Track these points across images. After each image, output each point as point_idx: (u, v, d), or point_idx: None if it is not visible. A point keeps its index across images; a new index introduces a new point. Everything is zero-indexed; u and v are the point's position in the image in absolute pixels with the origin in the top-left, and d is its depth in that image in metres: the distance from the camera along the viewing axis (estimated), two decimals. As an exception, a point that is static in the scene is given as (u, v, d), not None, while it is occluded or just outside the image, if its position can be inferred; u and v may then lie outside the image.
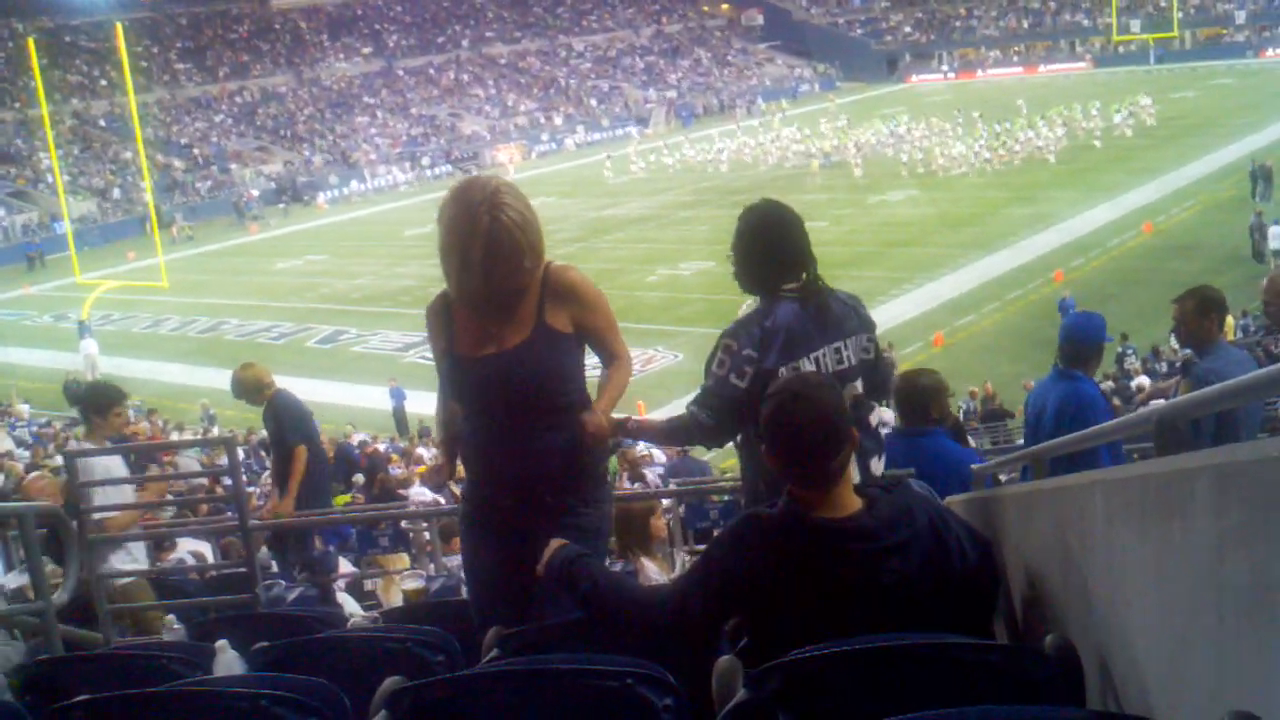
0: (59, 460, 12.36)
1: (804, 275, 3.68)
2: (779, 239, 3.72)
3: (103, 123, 63.53)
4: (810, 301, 3.64)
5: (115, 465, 6.64)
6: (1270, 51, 69.06)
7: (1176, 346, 21.25)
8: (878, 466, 3.73)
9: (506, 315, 3.54)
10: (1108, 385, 18.21)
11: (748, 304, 3.84)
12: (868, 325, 3.75)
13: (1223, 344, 5.75)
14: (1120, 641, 2.25)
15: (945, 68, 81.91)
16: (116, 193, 56.98)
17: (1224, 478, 1.67)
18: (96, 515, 6.18)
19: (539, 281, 3.54)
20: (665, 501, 7.44)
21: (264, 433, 22.51)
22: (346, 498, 14.27)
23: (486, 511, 3.72)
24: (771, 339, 3.58)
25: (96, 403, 6.86)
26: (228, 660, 3.39)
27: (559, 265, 3.60)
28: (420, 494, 13.29)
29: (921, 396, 5.40)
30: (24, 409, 26.31)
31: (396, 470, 16.64)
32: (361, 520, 9.49)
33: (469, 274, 3.44)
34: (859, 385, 3.68)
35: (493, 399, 3.58)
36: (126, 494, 6.77)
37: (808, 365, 3.58)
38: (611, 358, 3.70)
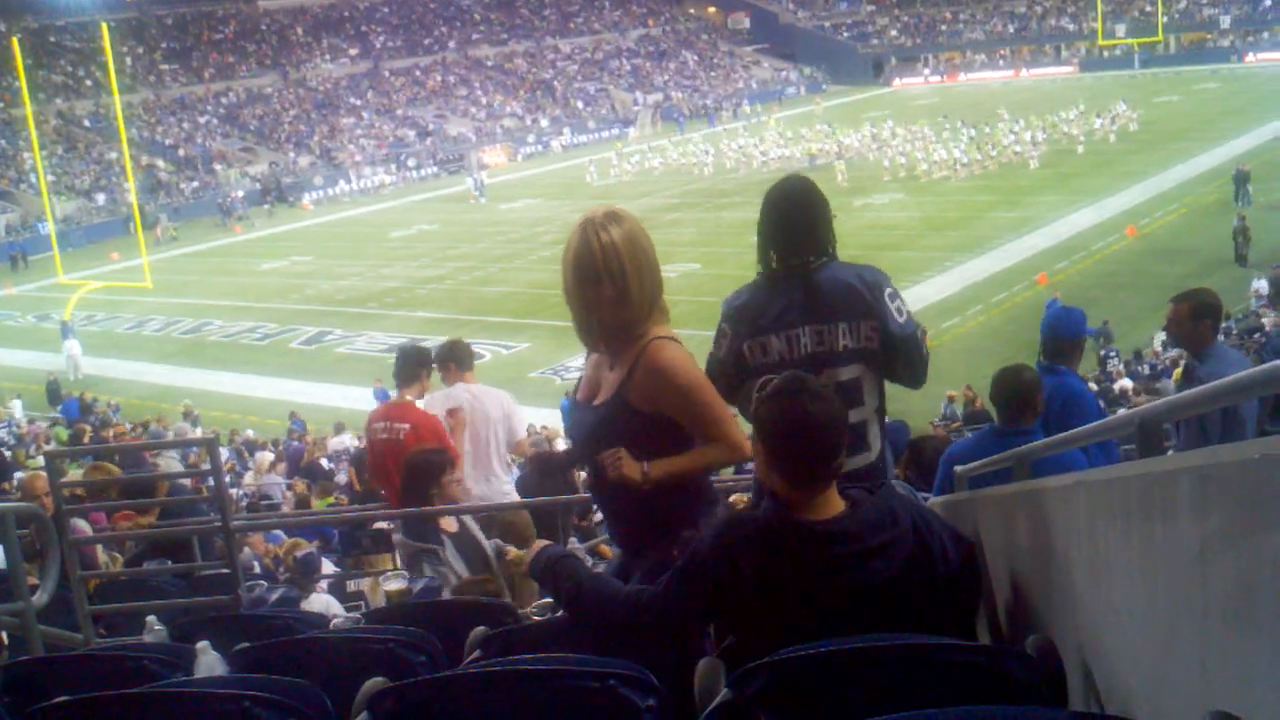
0: (41, 460, 12.29)
1: (795, 255, 3.66)
2: (773, 215, 3.74)
3: (87, 123, 63.27)
4: (789, 280, 3.64)
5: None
6: (1254, 56, 69.42)
7: (1159, 349, 21.42)
8: (847, 461, 3.60)
9: (608, 367, 3.43)
10: (1090, 387, 18.26)
11: None
12: (874, 314, 3.60)
13: (1218, 346, 5.75)
14: (1102, 642, 2.25)
15: (930, 71, 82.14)
16: (101, 194, 56.76)
17: (1206, 480, 1.67)
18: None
19: (637, 349, 3.34)
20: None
21: (250, 432, 22.67)
22: (329, 499, 14.23)
23: None
24: (738, 314, 3.70)
25: None
26: (209, 661, 3.37)
27: (657, 343, 3.33)
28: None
29: (1026, 392, 5.06)
30: (17, 404, 26.23)
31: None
32: (344, 521, 9.46)
33: (567, 299, 3.38)
34: (845, 372, 3.61)
35: (579, 448, 3.53)
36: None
37: (776, 343, 3.61)
38: (705, 441, 3.39)
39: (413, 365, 7.14)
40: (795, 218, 3.70)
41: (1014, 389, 5.07)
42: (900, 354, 3.69)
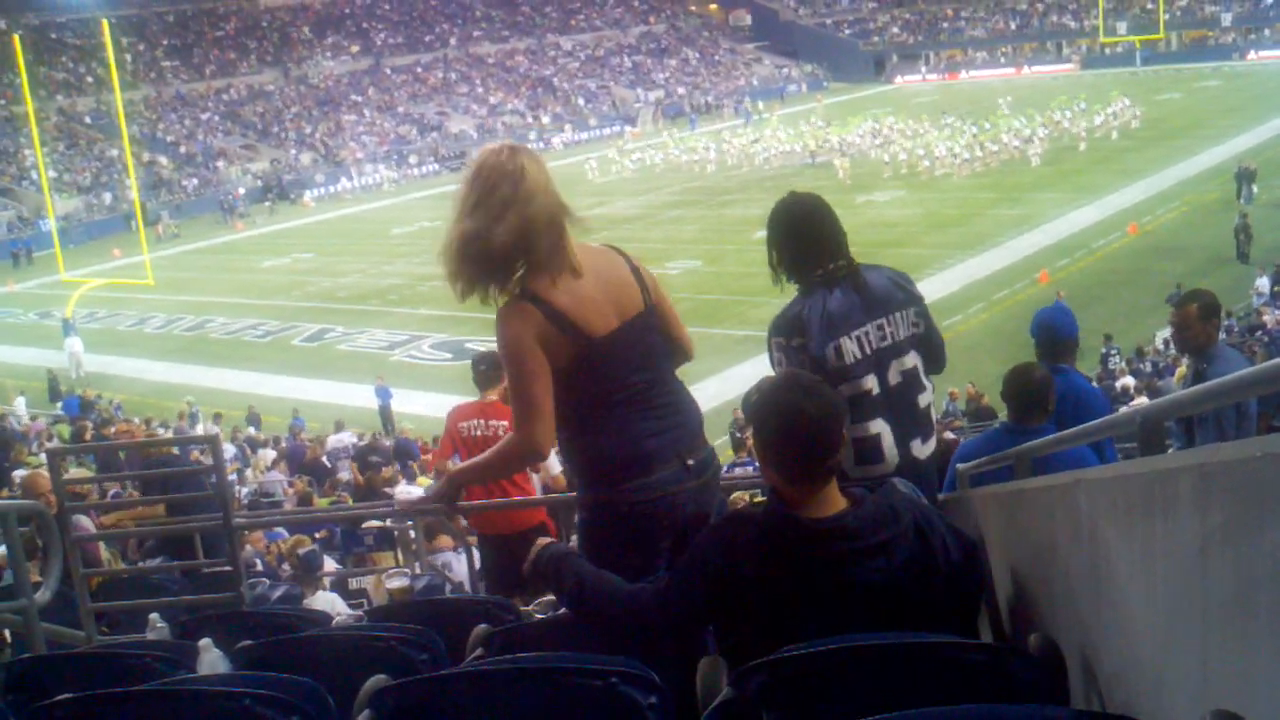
0: (43, 457, 12.30)
1: (831, 261, 3.75)
2: (800, 230, 3.82)
3: (88, 120, 63.25)
4: (841, 283, 3.71)
5: None
6: (1255, 54, 69.33)
7: (1160, 346, 21.43)
8: (921, 450, 3.74)
9: None
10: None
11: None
12: (914, 299, 3.80)
13: (1222, 347, 5.76)
14: (1104, 640, 2.25)
15: (930, 69, 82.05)
16: (103, 191, 56.75)
17: (1207, 477, 1.67)
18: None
19: None
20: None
21: (250, 430, 22.71)
22: (332, 496, 14.24)
23: None
24: (808, 324, 3.68)
25: None
26: (211, 659, 3.37)
27: (500, 311, 3.22)
28: (406, 492, 13.26)
29: (1038, 391, 4.99)
30: (20, 401, 26.26)
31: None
32: (345, 518, 9.45)
33: None
34: (908, 360, 3.73)
35: None
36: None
37: (849, 344, 3.65)
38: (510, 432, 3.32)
39: (494, 368, 7.44)
40: (815, 228, 3.81)
41: (1026, 387, 5.04)
42: (934, 339, 3.87)
